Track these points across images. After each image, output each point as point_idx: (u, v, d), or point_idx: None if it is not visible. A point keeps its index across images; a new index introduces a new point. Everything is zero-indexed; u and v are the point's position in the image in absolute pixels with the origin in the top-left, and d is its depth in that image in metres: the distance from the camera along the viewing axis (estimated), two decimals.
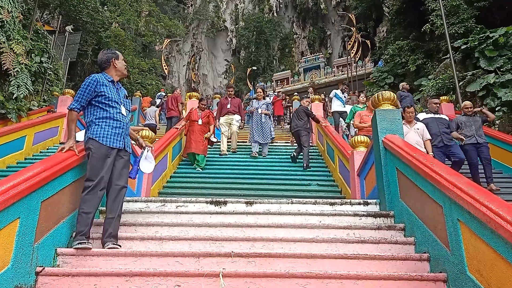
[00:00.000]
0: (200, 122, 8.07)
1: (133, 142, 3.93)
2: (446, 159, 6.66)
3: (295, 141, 9.15)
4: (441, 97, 10.06)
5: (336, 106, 10.80)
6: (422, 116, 7.07)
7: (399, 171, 3.79)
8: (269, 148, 9.25)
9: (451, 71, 10.89)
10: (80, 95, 3.41)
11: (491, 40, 10.90)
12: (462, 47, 11.63)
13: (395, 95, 4.43)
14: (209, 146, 8.25)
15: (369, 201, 4.31)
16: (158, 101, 19.98)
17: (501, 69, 10.30)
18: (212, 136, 8.24)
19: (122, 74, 3.69)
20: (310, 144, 8.95)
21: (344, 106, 10.58)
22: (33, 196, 2.81)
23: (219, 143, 9.13)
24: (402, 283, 2.79)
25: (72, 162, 3.35)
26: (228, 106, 9.26)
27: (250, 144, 9.23)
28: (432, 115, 6.95)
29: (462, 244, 2.58)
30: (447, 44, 10.90)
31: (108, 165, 3.33)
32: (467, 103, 7.36)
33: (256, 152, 8.75)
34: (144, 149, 3.88)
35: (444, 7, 11.61)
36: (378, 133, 4.25)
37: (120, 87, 3.70)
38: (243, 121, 9.25)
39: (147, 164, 3.87)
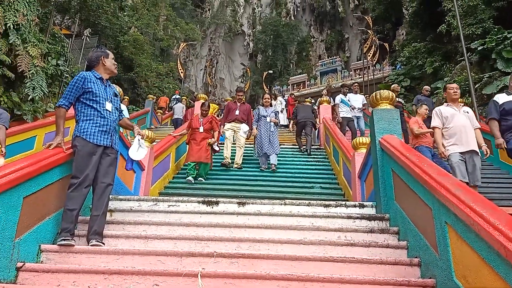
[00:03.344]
0: (201, 129, 7.25)
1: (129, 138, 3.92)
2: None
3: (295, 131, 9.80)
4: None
5: (343, 112, 9.72)
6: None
7: (394, 172, 3.66)
8: None
9: (467, 73, 10.57)
10: (68, 91, 3.43)
11: (509, 41, 10.54)
12: (479, 49, 11.31)
13: (393, 94, 4.29)
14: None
15: (365, 203, 4.18)
16: (173, 103, 20.25)
17: None
18: (216, 144, 7.42)
19: (111, 72, 3.69)
20: (318, 146, 9.98)
21: (350, 109, 9.59)
22: (13, 191, 2.81)
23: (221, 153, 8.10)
24: None
25: (59, 158, 3.35)
26: (237, 112, 8.16)
27: (256, 155, 8.28)
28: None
29: (449, 249, 2.45)
30: (463, 46, 10.58)
31: (93, 162, 3.32)
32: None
33: (265, 166, 7.85)
34: (136, 138, 3.87)
35: (460, 7, 11.35)
36: (375, 133, 4.12)
37: (110, 85, 3.70)
38: (251, 131, 8.10)
39: (138, 151, 3.83)
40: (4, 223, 2.72)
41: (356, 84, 10.82)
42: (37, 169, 3.04)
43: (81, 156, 3.32)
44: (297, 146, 9.80)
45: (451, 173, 4.77)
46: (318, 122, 11.64)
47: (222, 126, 8.17)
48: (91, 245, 3.15)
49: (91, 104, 3.46)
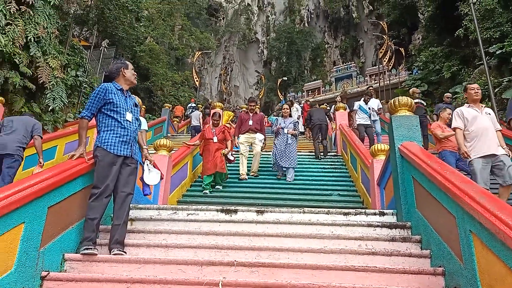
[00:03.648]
0: (215, 139, 7.10)
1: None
2: None
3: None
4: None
5: (361, 119, 9.51)
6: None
7: (415, 179, 3.61)
8: None
9: (486, 78, 10.38)
10: (90, 103, 3.52)
11: None
12: (498, 52, 11.09)
13: (412, 100, 4.24)
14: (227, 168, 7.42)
15: (385, 211, 4.12)
16: (189, 111, 20.45)
17: None
18: (230, 153, 7.28)
19: (131, 83, 3.77)
20: (335, 153, 10.10)
21: (369, 116, 9.38)
22: (39, 201, 2.88)
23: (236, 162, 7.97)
24: None
25: (81, 169, 3.42)
26: (250, 122, 7.97)
27: (272, 166, 8.08)
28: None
29: (474, 257, 2.39)
30: (481, 50, 10.41)
31: (113, 172, 3.38)
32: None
33: (282, 174, 7.73)
34: (144, 163, 3.92)
35: (477, 11, 11.17)
36: (394, 140, 4.07)
37: (130, 95, 3.77)
38: (265, 141, 8.03)
39: (150, 175, 3.91)
40: (30, 233, 2.79)
41: (371, 88, 10.69)
42: (61, 179, 3.11)
43: (102, 166, 3.39)
44: (314, 154, 9.70)
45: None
46: (333, 127, 11.67)
47: (235, 138, 8.03)
48: (113, 254, 3.19)
49: (112, 115, 3.53)
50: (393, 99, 4.26)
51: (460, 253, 2.59)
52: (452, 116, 5.24)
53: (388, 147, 5.54)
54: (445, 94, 9.73)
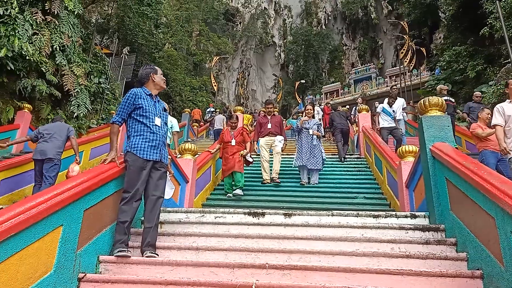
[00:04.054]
0: (233, 142, 7.12)
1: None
2: None
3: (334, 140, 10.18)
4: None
5: (385, 121, 9.13)
6: None
7: (449, 181, 3.52)
8: None
9: None
10: (121, 108, 3.58)
11: None
12: None
13: (443, 100, 4.15)
14: (248, 172, 7.45)
15: (417, 213, 4.04)
16: (208, 116, 20.61)
17: None
18: (249, 155, 7.24)
19: (161, 87, 3.83)
20: (359, 155, 10.01)
21: (393, 119, 8.95)
22: (75, 204, 2.95)
23: (257, 165, 7.93)
24: None
25: (113, 173, 3.48)
26: (269, 126, 7.86)
27: (297, 168, 7.86)
28: None
29: None
30: (507, 48, 10.14)
31: (143, 177, 3.43)
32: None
33: (305, 181, 7.53)
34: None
35: (503, 8, 10.88)
36: (425, 141, 3.99)
37: (159, 101, 3.82)
38: (285, 142, 7.94)
39: (168, 190, 4.01)
40: (68, 235, 2.85)
41: (395, 88, 10.50)
42: (95, 183, 3.18)
43: (132, 171, 3.44)
44: (337, 156, 9.64)
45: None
46: (354, 130, 11.57)
47: (255, 143, 7.91)
48: (146, 256, 3.23)
49: (141, 120, 3.59)
50: (423, 99, 4.18)
51: (501, 256, 2.51)
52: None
53: (416, 148, 5.46)
54: (475, 93, 9.40)
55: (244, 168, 7.21)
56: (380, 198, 6.64)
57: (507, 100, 5.09)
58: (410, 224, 3.79)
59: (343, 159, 9.33)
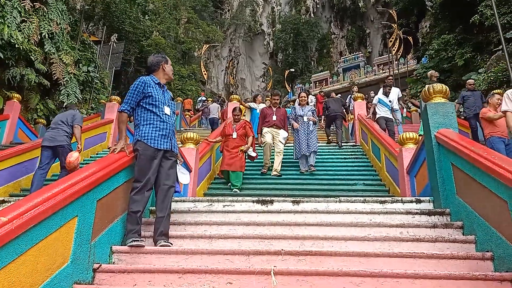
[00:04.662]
0: (234, 135, 6.86)
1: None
2: None
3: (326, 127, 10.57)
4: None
5: (382, 112, 9.14)
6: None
7: (455, 166, 3.59)
8: None
9: (504, 63, 10.27)
10: (130, 96, 3.53)
11: None
12: None
13: (447, 87, 4.21)
14: (248, 161, 7.20)
15: (421, 198, 4.11)
16: (199, 105, 20.49)
17: None
18: (251, 149, 7.02)
19: (169, 77, 3.82)
20: (354, 143, 10.05)
21: (390, 109, 9.03)
22: (89, 195, 2.92)
23: (259, 158, 7.73)
24: (464, 283, 2.62)
25: (124, 162, 3.45)
26: (274, 117, 7.63)
27: (295, 157, 7.78)
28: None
29: None
30: (499, 36, 10.23)
31: (154, 166, 3.41)
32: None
33: (305, 169, 7.48)
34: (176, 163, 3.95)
35: None
36: (430, 127, 4.05)
37: (166, 90, 3.79)
38: (288, 137, 7.73)
39: (182, 176, 4.03)
40: (82, 226, 2.83)
41: (390, 78, 10.59)
42: (107, 173, 3.15)
43: (142, 160, 3.42)
44: (333, 145, 9.75)
45: None
46: (348, 117, 11.68)
47: (259, 135, 7.72)
48: (160, 246, 3.23)
49: (151, 109, 3.55)
50: (427, 86, 4.23)
51: None
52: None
53: (417, 135, 5.55)
54: (468, 81, 9.42)
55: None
56: (379, 184, 6.74)
57: None
58: (416, 209, 3.87)
59: (331, 140, 9.87)
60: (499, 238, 2.80)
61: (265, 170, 7.55)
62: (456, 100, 9.62)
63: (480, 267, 2.89)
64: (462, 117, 9.38)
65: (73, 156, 5.59)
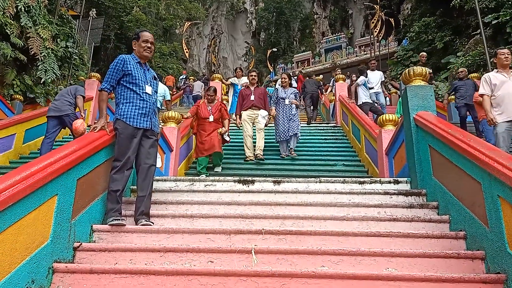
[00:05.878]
0: (211, 118, 6.47)
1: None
2: None
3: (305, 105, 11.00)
4: (471, 74, 9.64)
5: (365, 97, 9.09)
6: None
7: (432, 148, 3.69)
8: None
9: (482, 47, 10.46)
10: (109, 75, 3.46)
11: None
12: (493, 22, 11.14)
13: (427, 70, 4.27)
14: (227, 145, 7.00)
15: (399, 179, 4.23)
16: (181, 83, 20.20)
17: None
18: (226, 134, 6.74)
19: (141, 56, 3.61)
20: (335, 124, 10.20)
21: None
22: (69, 173, 2.88)
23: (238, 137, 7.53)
24: (438, 261, 2.74)
25: (104, 141, 3.40)
26: (252, 97, 7.22)
27: (276, 140, 7.52)
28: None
29: (502, 221, 2.50)
30: (478, 20, 10.40)
31: (134, 145, 3.38)
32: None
33: (286, 153, 7.26)
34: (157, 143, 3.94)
35: None
36: (409, 110, 4.13)
37: (149, 69, 3.71)
38: (269, 116, 7.36)
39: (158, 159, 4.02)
40: (62, 205, 2.80)
41: (373, 61, 10.64)
42: (88, 151, 3.10)
43: (122, 139, 3.38)
44: (315, 126, 9.88)
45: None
46: (324, 99, 12.65)
47: (237, 117, 7.36)
48: (141, 225, 3.23)
49: (131, 87, 3.49)
50: (407, 69, 4.29)
51: (486, 218, 2.69)
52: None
53: (396, 117, 5.64)
54: (459, 69, 9.13)
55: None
56: (358, 165, 6.87)
57: (494, 69, 5.26)
58: (393, 190, 3.98)
59: (310, 120, 10.18)
60: (472, 218, 2.91)
61: (248, 160, 7.14)
62: (447, 90, 9.64)
63: (454, 246, 3.01)
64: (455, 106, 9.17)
65: (78, 123, 5.70)
